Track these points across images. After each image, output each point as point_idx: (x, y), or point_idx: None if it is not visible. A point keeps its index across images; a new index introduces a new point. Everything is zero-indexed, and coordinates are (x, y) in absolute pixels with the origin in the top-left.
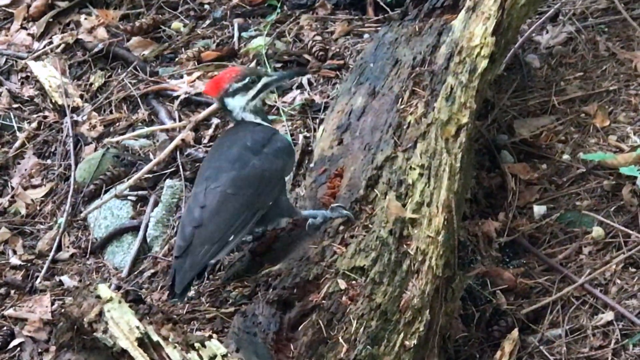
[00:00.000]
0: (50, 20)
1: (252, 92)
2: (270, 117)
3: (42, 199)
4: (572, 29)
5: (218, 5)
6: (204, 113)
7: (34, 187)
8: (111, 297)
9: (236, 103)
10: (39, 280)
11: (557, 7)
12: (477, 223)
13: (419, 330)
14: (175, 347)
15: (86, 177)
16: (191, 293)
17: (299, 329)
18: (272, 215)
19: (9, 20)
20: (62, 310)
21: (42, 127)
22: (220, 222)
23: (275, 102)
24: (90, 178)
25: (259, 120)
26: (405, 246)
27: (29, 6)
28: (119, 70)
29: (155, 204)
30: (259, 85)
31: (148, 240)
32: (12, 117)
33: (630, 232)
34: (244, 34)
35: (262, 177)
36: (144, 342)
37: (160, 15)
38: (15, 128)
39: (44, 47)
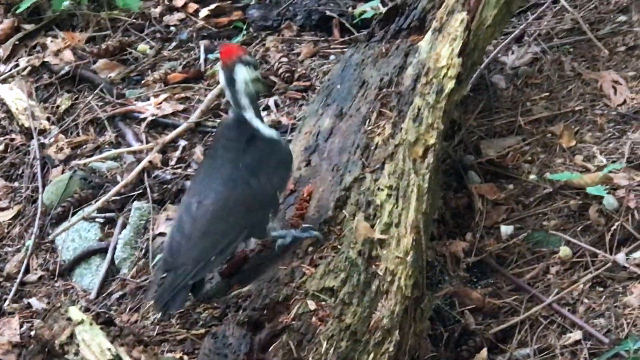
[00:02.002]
0: (17, 43)
1: (257, 72)
2: None
3: (10, 221)
4: (538, 50)
5: (184, 27)
6: (171, 135)
7: (1, 209)
8: (82, 319)
9: (243, 76)
10: (7, 302)
11: (523, 28)
12: (445, 243)
13: (389, 351)
14: None
15: (54, 200)
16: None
17: (270, 350)
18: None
19: None
20: (33, 332)
21: (9, 150)
22: (207, 242)
23: None
24: (57, 200)
25: (252, 117)
26: (374, 267)
27: None
28: (86, 93)
29: (123, 226)
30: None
31: (116, 262)
32: None
33: (597, 251)
34: (210, 56)
35: (255, 197)
36: None
37: (126, 38)
38: None
39: (11, 69)
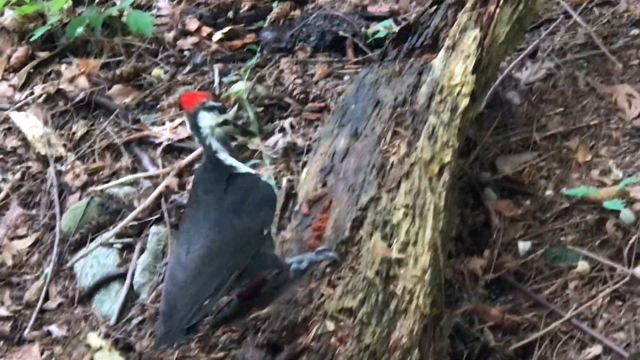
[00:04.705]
0: (31, 70)
1: (223, 116)
2: (253, 162)
3: (28, 249)
4: (552, 65)
5: (198, 51)
6: (187, 159)
7: (20, 237)
8: (101, 345)
9: (207, 122)
10: (27, 330)
11: (536, 44)
12: (462, 261)
13: None
14: None
15: (71, 226)
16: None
17: None
18: (255, 268)
19: None
20: (54, 359)
21: (26, 178)
22: (197, 287)
23: (258, 146)
24: (75, 227)
25: (226, 157)
26: (392, 286)
27: (9, 57)
28: (101, 119)
29: (141, 251)
30: (231, 113)
31: (135, 287)
32: None
33: (615, 265)
34: (224, 79)
35: (241, 238)
36: None
37: (140, 63)
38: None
39: (26, 97)
